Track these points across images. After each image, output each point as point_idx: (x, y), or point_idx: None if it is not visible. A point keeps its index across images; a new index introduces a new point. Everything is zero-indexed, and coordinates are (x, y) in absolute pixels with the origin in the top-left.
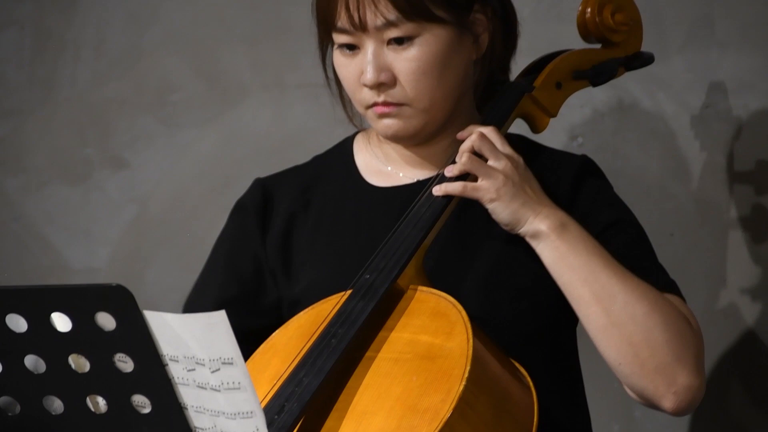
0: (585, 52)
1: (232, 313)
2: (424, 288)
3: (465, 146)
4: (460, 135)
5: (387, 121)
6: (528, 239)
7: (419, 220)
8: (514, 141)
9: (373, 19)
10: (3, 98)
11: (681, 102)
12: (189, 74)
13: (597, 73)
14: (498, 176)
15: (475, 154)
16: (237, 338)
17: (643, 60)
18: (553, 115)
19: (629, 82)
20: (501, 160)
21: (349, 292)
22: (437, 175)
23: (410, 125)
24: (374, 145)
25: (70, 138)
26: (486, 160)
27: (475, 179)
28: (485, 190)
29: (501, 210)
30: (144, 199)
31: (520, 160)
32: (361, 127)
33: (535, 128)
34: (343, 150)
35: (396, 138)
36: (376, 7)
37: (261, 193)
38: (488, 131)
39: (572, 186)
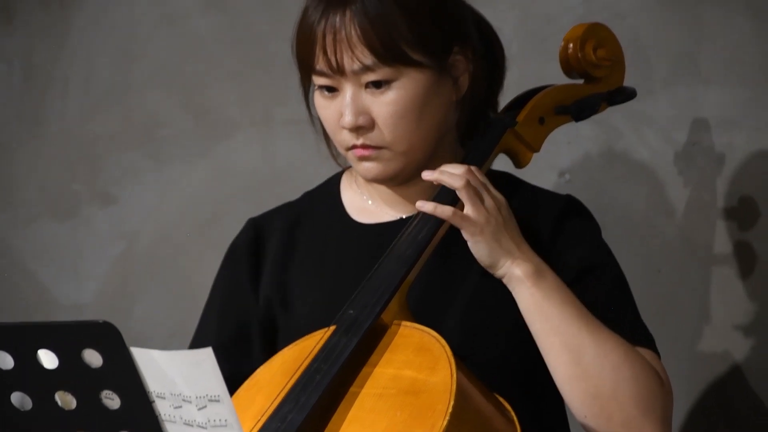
0: (567, 88)
1: (228, 358)
2: (408, 323)
3: (457, 170)
4: (426, 176)
5: (367, 164)
6: (504, 282)
7: (402, 256)
8: (498, 177)
9: (350, 63)
10: None
11: (667, 138)
12: (177, 110)
13: (579, 109)
14: (484, 212)
15: None
16: (235, 381)
17: (626, 95)
18: (536, 150)
19: (616, 119)
20: (490, 196)
21: (333, 327)
22: (418, 214)
23: (389, 168)
24: (359, 183)
25: (59, 173)
26: None
27: (461, 209)
28: (471, 222)
29: (481, 246)
30: (132, 234)
31: (504, 200)
32: (345, 166)
33: (518, 163)
34: (331, 187)
35: (376, 180)
36: (352, 51)
37: (253, 234)
38: (475, 168)
39: (554, 227)
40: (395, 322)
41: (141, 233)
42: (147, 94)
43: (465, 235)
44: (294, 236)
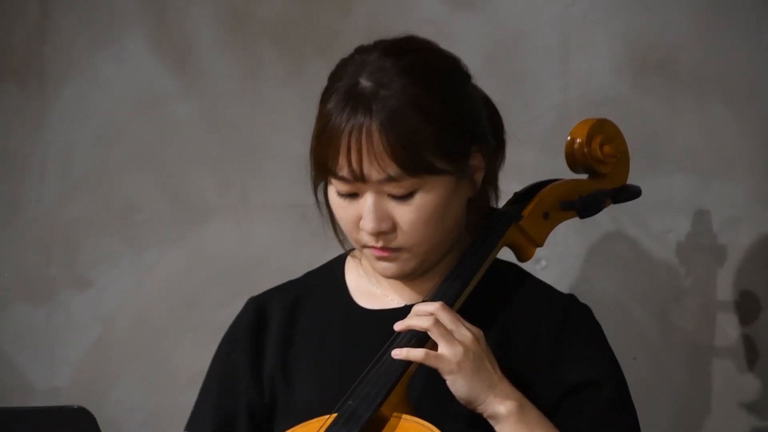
0: (572, 183)
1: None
2: (408, 416)
3: (426, 308)
4: (397, 327)
5: (385, 264)
6: (486, 418)
7: (406, 347)
8: (503, 268)
9: (375, 174)
10: None
11: (643, 226)
12: (154, 194)
13: (584, 205)
14: (459, 348)
15: None
16: None
17: (631, 193)
18: (540, 244)
19: None
20: (463, 331)
21: (333, 416)
22: (423, 301)
23: (408, 267)
24: (365, 268)
25: (35, 257)
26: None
27: (434, 347)
28: (446, 361)
29: (459, 384)
30: (108, 319)
31: (481, 333)
32: (349, 249)
33: (521, 257)
34: (335, 268)
35: (394, 278)
36: (379, 164)
37: (254, 314)
38: (444, 305)
39: (556, 330)
40: (395, 414)
41: (117, 317)
42: (124, 179)
43: (442, 374)
44: (295, 317)
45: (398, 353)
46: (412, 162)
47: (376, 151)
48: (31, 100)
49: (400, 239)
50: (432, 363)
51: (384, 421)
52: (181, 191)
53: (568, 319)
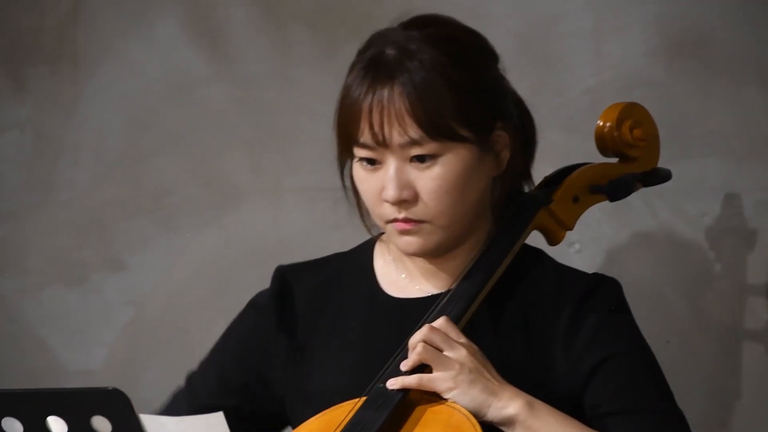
0: (602, 167)
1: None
2: (438, 399)
3: (416, 338)
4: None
5: (407, 239)
6: (498, 425)
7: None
8: (528, 254)
9: (397, 137)
10: (2, 200)
11: (677, 210)
12: (187, 177)
13: (614, 189)
14: (454, 365)
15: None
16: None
17: (661, 177)
18: (570, 228)
19: None
20: (455, 348)
21: (362, 399)
22: (448, 290)
23: (430, 242)
24: (393, 255)
25: (68, 240)
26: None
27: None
28: (442, 380)
29: (461, 398)
30: (140, 301)
31: (475, 347)
32: (377, 235)
33: (552, 241)
34: (364, 254)
35: (416, 254)
36: (400, 125)
37: (280, 284)
38: (440, 323)
39: (575, 310)
40: (425, 397)
41: (150, 300)
42: (157, 162)
43: (440, 393)
44: (323, 300)
45: (393, 383)
46: (434, 125)
47: (398, 113)
48: (64, 84)
49: (421, 210)
50: (427, 386)
51: (414, 403)
52: (214, 174)
53: (594, 294)
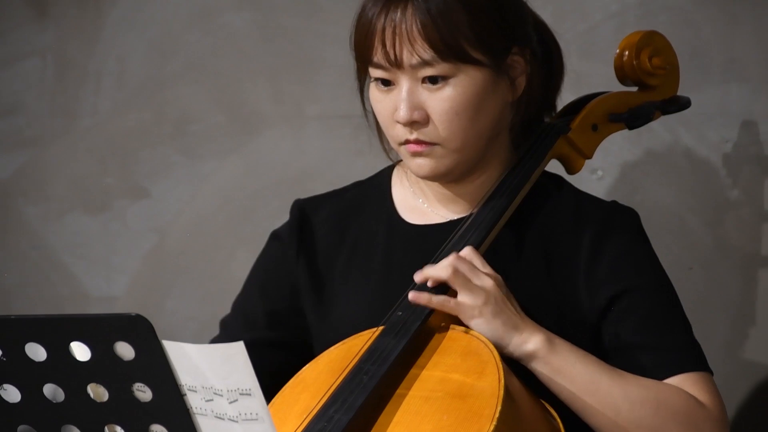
0: (621, 95)
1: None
2: (457, 327)
3: (443, 264)
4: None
5: (419, 161)
6: (518, 360)
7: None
8: (547, 180)
9: (408, 57)
10: (24, 127)
11: (699, 136)
12: (209, 105)
13: (633, 117)
14: (480, 293)
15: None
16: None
17: (680, 104)
18: (589, 156)
19: None
20: (481, 278)
21: (381, 328)
22: (471, 214)
23: (442, 165)
24: (410, 180)
25: (91, 167)
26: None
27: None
28: (467, 307)
29: (483, 328)
30: (163, 229)
31: (500, 278)
32: (396, 160)
33: (570, 169)
34: (381, 181)
35: (428, 177)
36: (412, 45)
37: (298, 217)
38: (467, 252)
39: (597, 236)
40: (443, 324)
41: (173, 228)
42: (179, 90)
43: (463, 320)
44: (341, 230)
45: (418, 297)
46: (446, 46)
47: (410, 34)
48: (86, 11)
49: (432, 132)
50: (452, 309)
51: (433, 331)
52: (236, 102)
53: (611, 225)
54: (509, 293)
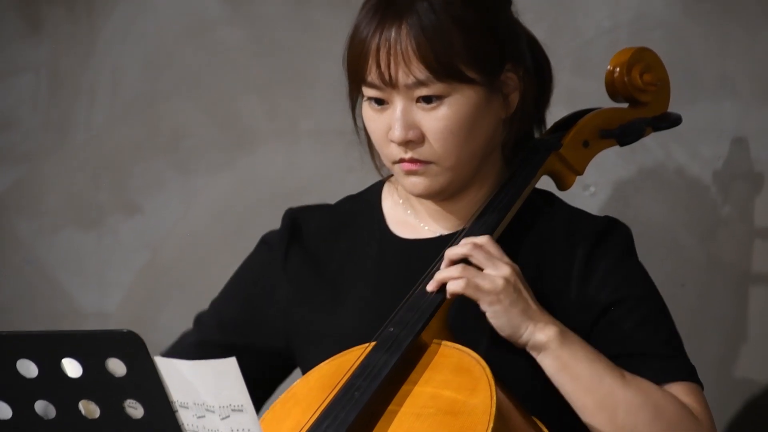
0: (612, 111)
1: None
2: (448, 343)
3: (456, 251)
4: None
5: (413, 179)
6: (528, 350)
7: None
8: (538, 196)
9: (404, 77)
10: (18, 142)
11: (692, 152)
12: (203, 120)
13: (624, 133)
14: (499, 281)
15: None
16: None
17: (671, 121)
18: (580, 172)
19: None
20: (500, 266)
21: (372, 344)
22: (462, 229)
23: (436, 183)
24: (400, 195)
25: (84, 182)
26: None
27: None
28: (486, 292)
29: (500, 315)
30: (156, 244)
31: (517, 267)
32: (386, 177)
33: (562, 185)
34: (372, 195)
35: (422, 195)
36: (407, 65)
37: (290, 225)
38: (484, 240)
39: (590, 249)
40: (435, 341)
41: (165, 243)
42: (173, 105)
43: (482, 305)
44: (332, 242)
45: (438, 278)
46: (441, 66)
47: (404, 53)
48: (79, 25)
49: (427, 151)
50: (472, 293)
51: (424, 347)
52: (229, 116)
53: (606, 237)
54: (525, 283)
